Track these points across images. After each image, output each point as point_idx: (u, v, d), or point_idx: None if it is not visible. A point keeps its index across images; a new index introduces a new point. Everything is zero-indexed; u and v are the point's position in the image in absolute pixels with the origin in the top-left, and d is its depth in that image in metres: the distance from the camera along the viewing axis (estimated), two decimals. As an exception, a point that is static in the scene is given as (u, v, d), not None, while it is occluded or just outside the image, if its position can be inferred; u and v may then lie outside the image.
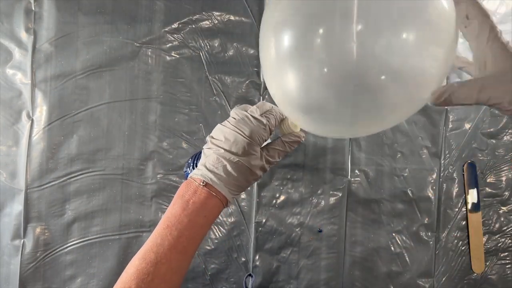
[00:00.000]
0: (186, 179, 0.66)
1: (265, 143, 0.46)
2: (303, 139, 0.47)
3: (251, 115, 0.44)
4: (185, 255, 0.41)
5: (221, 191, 0.42)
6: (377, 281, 0.72)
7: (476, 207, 0.73)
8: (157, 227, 0.42)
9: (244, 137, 0.42)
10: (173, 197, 0.70)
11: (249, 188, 0.70)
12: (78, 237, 0.69)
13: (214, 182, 0.42)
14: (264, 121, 0.44)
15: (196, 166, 0.56)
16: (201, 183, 0.42)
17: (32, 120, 0.68)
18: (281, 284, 0.71)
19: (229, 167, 0.42)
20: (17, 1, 0.68)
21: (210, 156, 0.43)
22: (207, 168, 0.43)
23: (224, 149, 0.42)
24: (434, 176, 0.73)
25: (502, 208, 0.74)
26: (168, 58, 0.70)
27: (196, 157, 0.62)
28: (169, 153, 0.70)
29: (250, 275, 0.70)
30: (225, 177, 0.42)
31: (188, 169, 0.66)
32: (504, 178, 0.74)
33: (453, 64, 0.39)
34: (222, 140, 0.43)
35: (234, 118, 0.44)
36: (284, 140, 0.46)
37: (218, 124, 0.45)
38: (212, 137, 0.45)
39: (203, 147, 0.45)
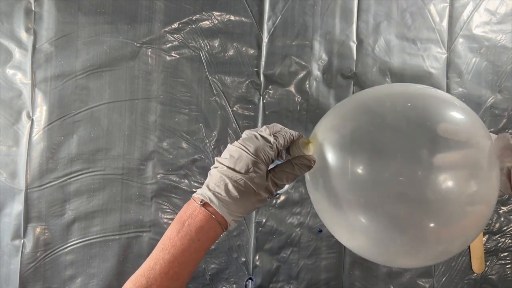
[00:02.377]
0: None
1: (273, 165, 0.44)
2: (314, 163, 0.44)
3: (259, 133, 0.43)
4: (177, 281, 0.39)
5: (220, 212, 0.40)
6: (377, 281, 0.72)
7: (476, 207, 0.73)
8: (155, 247, 0.41)
9: (249, 154, 0.41)
10: (173, 197, 0.70)
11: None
12: (78, 237, 0.69)
13: (213, 202, 0.40)
14: (272, 140, 0.42)
15: None
16: (199, 203, 0.40)
17: (32, 120, 0.68)
18: (281, 284, 0.71)
19: (230, 186, 0.40)
20: (17, 1, 0.68)
21: (214, 175, 0.42)
22: (208, 188, 0.41)
23: (227, 167, 0.41)
24: (434, 176, 0.73)
25: (502, 208, 0.74)
26: (168, 58, 0.70)
27: None
28: (169, 153, 0.70)
29: (250, 278, 0.70)
30: (225, 197, 0.40)
31: None
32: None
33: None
34: (227, 157, 0.42)
35: (242, 138, 0.43)
36: (294, 162, 0.43)
37: (228, 145, 0.44)
38: (219, 157, 0.43)
39: (211, 167, 0.44)
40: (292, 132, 0.45)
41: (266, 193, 0.42)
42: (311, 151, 0.45)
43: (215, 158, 0.43)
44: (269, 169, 0.43)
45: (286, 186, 0.47)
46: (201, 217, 0.40)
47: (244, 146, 0.41)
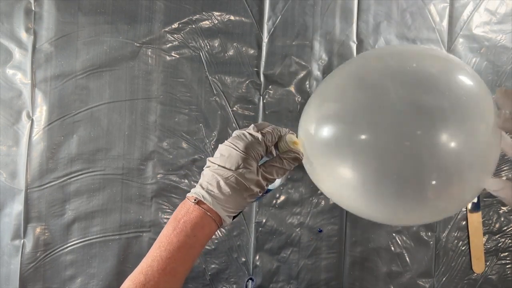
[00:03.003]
0: None
1: (263, 160, 0.46)
2: (302, 156, 0.46)
3: (247, 132, 0.44)
4: (174, 277, 0.40)
5: (214, 209, 0.41)
6: (377, 281, 0.72)
7: (476, 207, 0.73)
8: (153, 245, 0.42)
9: (238, 151, 0.42)
10: (173, 197, 0.70)
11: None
12: (78, 237, 0.69)
13: (206, 199, 0.41)
14: (260, 136, 0.44)
15: None
16: (193, 201, 0.42)
17: (32, 120, 0.68)
18: (281, 284, 0.71)
19: (222, 183, 0.41)
20: (17, 1, 0.68)
21: (206, 174, 0.43)
22: (201, 186, 0.43)
23: (218, 165, 0.42)
24: (434, 176, 0.73)
25: (502, 208, 0.74)
26: (168, 58, 0.70)
27: None
28: (169, 153, 0.70)
29: (251, 278, 0.70)
30: (218, 194, 0.42)
31: None
32: (504, 178, 0.74)
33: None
34: (217, 157, 0.43)
35: (232, 137, 0.45)
36: (282, 157, 0.45)
37: (219, 145, 0.46)
38: (211, 157, 0.45)
39: (204, 168, 0.45)
40: (280, 128, 0.47)
41: (258, 188, 0.43)
42: (298, 144, 0.46)
43: (207, 159, 0.45)
44: (259, 165, 0.44)
45: (278, 182, 0.48)
46: (196, 214, 0.41)
47: (233, 144, 0.43)
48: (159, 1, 0.69)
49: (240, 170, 0.42)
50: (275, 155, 0.48)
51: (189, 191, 0.70)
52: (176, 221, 0.42)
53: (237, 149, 0.42)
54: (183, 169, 0.70)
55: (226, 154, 0.43)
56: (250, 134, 0.44)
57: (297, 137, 0.48)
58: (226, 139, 0.70)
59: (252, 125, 0.46)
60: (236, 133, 0.45)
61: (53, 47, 0.68)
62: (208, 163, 0.44)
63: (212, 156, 0.45)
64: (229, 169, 0.42)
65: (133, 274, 0.40)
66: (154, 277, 0.39)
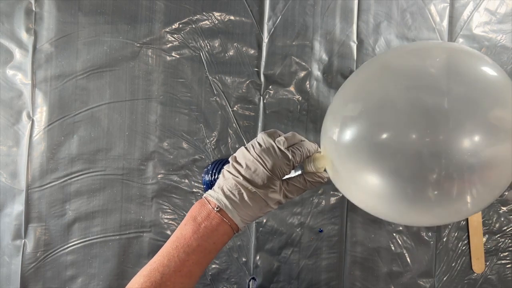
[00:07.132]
0: (203, 184, 0.66)
1: (286, 177, 0.45)
2: (325, 180, 0.46)
3: (277, 146, 0.43)
4: (190, 278, 0.41)
5: (233, 218, 0.42)
6: (378, 281, 0.72)
7: (476, 207, 0.73)
8: (166, 243, 0.42)
9: (265, 170, 0.42)
10: (173, 197, 0.70)
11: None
12: (79, 237, 0.69)
13: (228, 208, 0.42)
14: (290, 156, 0.42)
15: (215, 176, 0.54)
16: (215, 208, 0.42)
17: (33, 121, 0.68)
18: (281, 284, 0.71)
19: (245, 196, 0.42)
20: (17, 1, 0.68)
21: (229, 180, 0.43)
22: (223, 193, 0.42)
23: (243, 177, 0.42)
24: (435, 176, 0.73)
25: (502, 208, 0.74)
26: (168, 58, 0.70)
27: (216, 166, 0.62)
28: (170, 153, 0.70)
29: (253, 278, 0.70)
30: (240, 205, 0.42)
31: (207, 175, 0.67)
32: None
33: None
34: (243, 166, 0.42)
35: (260, 146, 0.43)
36: (307, 179, 0.45)
37: (243, 147, 0.44)
38: (235, 160, 0.44)
39: (224, 167, 0.45)
40: (309, 146, 0.45)
41: (277, 206, 0.44)
42: (323, 167, 0.45)
43: (231, 160, 0.44)
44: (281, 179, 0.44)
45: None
46: (217, 221, 0.42)
47: (261, 159, 0.42)
48: (159, 1, 0.69)
49: (265, 189, 0.42)
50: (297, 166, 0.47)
51: (189, 191, 0.70)
52: (196, 224, 0.42)
53: (265, 167, 0.42)
54: (183, 169, 0.70)
55: (252, 168, 0.42)
56: (280, 150, 0.42)
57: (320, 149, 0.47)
58: (227, 139, 0.70)
59: (283, 137, 0.44)
60: (265, 141, 0.43)
61: (54, 47, 0.68)
62: (232, 168, 0.43)
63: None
64: (254, 185, 0.42)
65: (146, 270, 0.40)
66: (171, 277, 0.39)
